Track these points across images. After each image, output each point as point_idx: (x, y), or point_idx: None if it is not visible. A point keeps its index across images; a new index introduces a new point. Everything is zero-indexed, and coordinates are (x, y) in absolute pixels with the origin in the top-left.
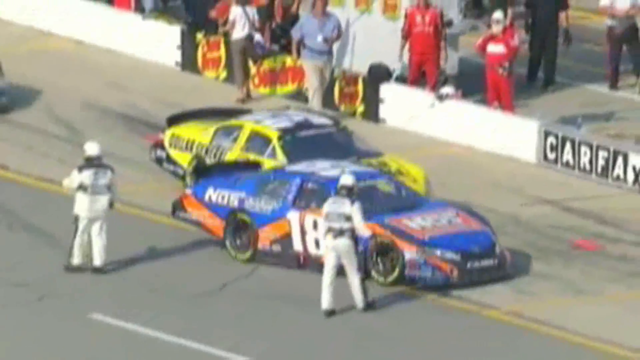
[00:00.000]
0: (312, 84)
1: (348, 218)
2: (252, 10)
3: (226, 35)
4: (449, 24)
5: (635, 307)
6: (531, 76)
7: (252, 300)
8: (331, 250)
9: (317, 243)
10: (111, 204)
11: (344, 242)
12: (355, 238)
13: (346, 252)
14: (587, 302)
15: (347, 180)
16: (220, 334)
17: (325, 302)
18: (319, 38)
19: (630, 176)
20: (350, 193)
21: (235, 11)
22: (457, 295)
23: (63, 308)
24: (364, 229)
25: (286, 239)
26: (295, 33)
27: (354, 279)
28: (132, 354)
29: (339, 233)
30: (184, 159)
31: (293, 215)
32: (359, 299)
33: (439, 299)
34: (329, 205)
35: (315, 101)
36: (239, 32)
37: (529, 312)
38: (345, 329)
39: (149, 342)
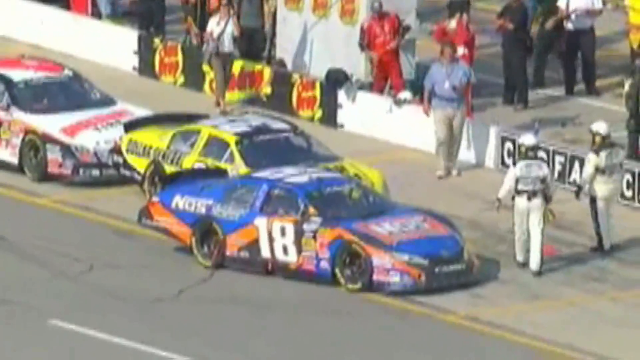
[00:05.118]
0: (438, 137)
1: (542, 180)
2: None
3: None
4: (407, 29)
5: (590, 311)
6: (507, 97)
7: (209, 306)
8: (521, 212)
9: (284, 249)
10: None
11: (539, 201)
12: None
13: (539, 210)
14: (544, 306)
15: (529, 140)
16: (177, 340)
17: (520, 255)
18: (447, 85)
19: None
20: (535, 152)
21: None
22: (414, 300)
23: (20, 314)
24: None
25: (254, 245)
26: (426, 83)
27: (536, 237)
28: (91, 359)
29: (533, 194)
30: (141, 165)
31: (260, 222)
32: (535, 260)
33: (396, 303)
34: (520, 170)
35: (440, 154)
36: (226, 45)
37: (486, 316)
38: (305, 334)
39: (107, 347)
